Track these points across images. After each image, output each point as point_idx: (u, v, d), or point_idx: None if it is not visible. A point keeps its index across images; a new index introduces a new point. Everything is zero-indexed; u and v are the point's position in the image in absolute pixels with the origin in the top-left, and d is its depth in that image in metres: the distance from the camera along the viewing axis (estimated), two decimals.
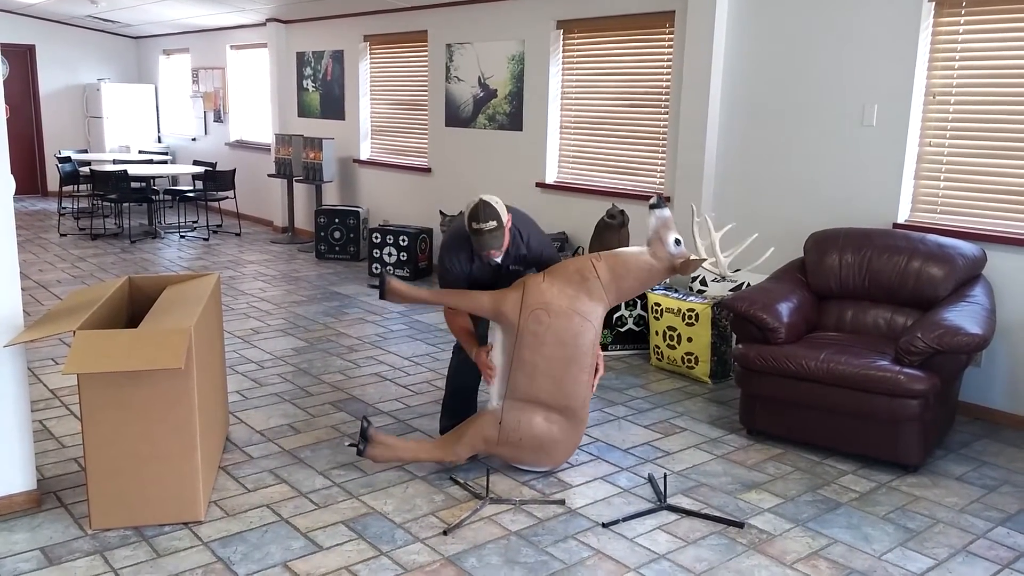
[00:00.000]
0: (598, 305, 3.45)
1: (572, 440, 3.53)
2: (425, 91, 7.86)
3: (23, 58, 11.94)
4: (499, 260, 3.51)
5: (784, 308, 4.02)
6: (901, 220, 4.64)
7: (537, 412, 3.45)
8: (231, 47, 10.60)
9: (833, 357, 3.71)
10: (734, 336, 4.84)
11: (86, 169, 9.64)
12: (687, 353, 4.85)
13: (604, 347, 5.30)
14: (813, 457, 3.83)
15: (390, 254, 7.43)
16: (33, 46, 11.93)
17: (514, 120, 6.88)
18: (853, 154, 4.79)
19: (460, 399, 3.92)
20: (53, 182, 12.00)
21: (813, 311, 4.30)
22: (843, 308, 4.32)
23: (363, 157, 8.73)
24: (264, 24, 9.63)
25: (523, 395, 3.44)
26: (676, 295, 4.96)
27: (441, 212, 7.37)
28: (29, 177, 12.24)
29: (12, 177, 3.10)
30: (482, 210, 3.34)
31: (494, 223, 3.33)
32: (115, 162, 10.09)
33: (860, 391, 3.64)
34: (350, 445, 3.74)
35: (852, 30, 4.71)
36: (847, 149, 4.81)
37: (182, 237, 9.35)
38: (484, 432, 3.47)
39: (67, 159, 9.98)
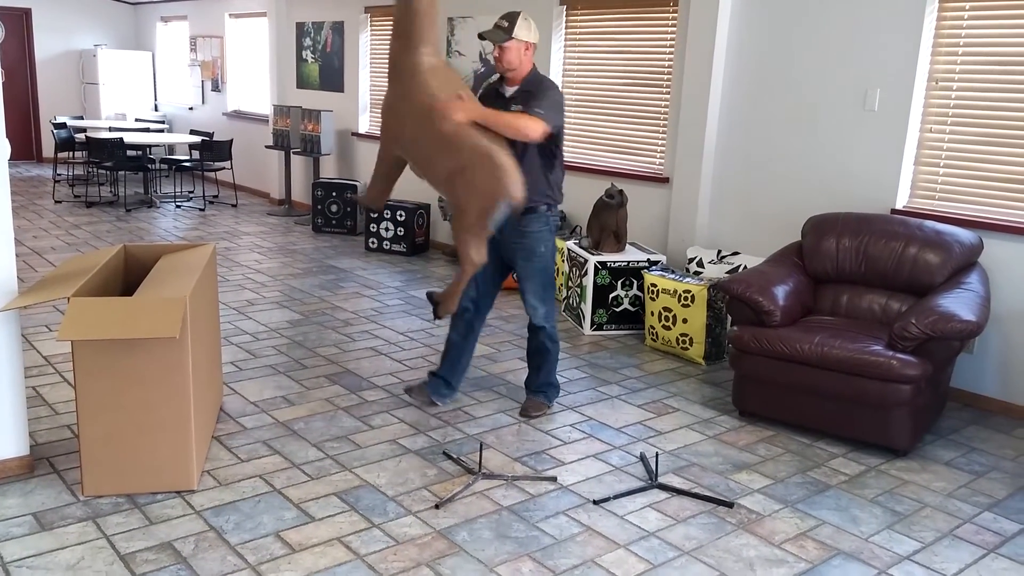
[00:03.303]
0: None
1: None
2: None
3: (19, 22, 11.81)
4: (502, 69, 3.70)
5: (780, 291, 4.03)
6: (899, 206, 4.63)
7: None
8: (230, 15, 10.49)
9: (827, 341, 3.72)
10: (729, 318, 4.85)
11: (82, 136, 9.57)
12: (682, 334, 4.86)
13: (599, 326, 5.32)
14: (804, 439, 3.85)
15: (387, 229, 7.41)
16: (29, 10, 11.80)
17: None
18: (854, 139, 4.77)
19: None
20: (48, 148, 11.91)
21: (809, 295, 4.31)
22: (839, 292, 4.33)
23: (362, 130, 8.68)
24: None
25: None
26: (673, 276, 4.97)
27: None
28: (24, 143, 12.15)
29: (7, 142, 3.08)
30: (510, 12, 3.66)
31: (506, 23, 3.62)
32: (111, 129, 10.02)
33: (853, 375, 3.65)
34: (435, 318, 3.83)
35: (857, 14, 4.68)
36: (848, 133, 4.80)
37: (178, 207, 9.31)
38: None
39: (63, 125, 9.90)
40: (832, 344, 3.70)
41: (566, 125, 6.52)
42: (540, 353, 3.98)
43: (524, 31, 3.65)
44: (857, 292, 4.29)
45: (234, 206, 9.55)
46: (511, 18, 3.64)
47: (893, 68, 4.56)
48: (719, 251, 5.32)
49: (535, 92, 3.65)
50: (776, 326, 3.92)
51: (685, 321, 4.83)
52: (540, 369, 4.01)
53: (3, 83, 3.10)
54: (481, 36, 3.71)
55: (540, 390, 4.04)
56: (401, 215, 7.33)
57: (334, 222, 8.24)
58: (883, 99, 4.62)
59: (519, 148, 3.60)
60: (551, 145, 3.71)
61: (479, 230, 3.53)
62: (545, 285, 3.89)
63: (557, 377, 4.11)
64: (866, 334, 3.84)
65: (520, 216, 3.72)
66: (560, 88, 3.84)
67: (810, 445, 3.80)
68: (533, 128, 3.51)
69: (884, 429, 3.66)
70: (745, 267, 5.05)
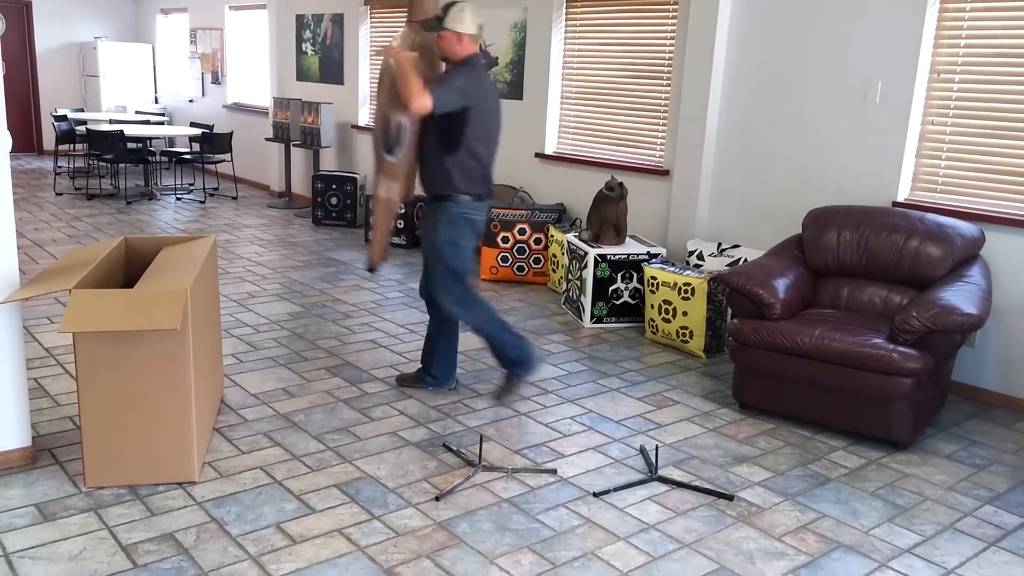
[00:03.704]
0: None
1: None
2: None
3: (19, 14, 11.79)
4: (440, 56, 3.78)
5: (780, 284, 4.03)
6: (901, 198, 4.63)
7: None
8: (230, 7, 10.47)
9: (827, 334, 3.72)
10: (729, 311, 4.85)
11: (82, 128, 9.56)
12: (682, 327, 4.86)
13: (599, 319, 5.32)
14: (804, 432, 3.85)
15: None
16: (29, 2, 11.78)
17: (515, 89, 6.82)
18: (855, 131, 4.76)
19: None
20: (49, 140, 11.90)
21: (809, 288, 4.30)
22: (839, 285, 4.32)
23: (361, 123, 8.66)
24: None
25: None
26: (673, 269, 4.97)
27: None
28: (25, 135, 12.14)
29: (9, 134, 3.08)
30: (449, 2, 3.66)
31: (442, 13, 3.66)
32: (111, 122, 10.01)
33: (853, 368, 3.65)
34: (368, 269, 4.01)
35: (859, 5, 4.66)
36: (849, 126, 4.79)
37: (178, 199, 9.30)
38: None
39: (63, 118, 9.89)
40: (832, 337, 3.70)
41: (566, 116, 6.52)
42: (484, 342, 3.94)
43: (455, 21, 3.64)
44: (858, 285, 4.29)
45: (234, 198, 9.55)
46: (446, 9, 3.66)
47: (895, 60, 4.55)
48: (719, 244, 5.32)
49: (447, 74, 3.71)
50: (776, 319, 3.92)
51: (685, 314, 4.83)
52: (493, 354, 3.97)
53: (4, 76, 3.10)
54: (421, 24, 3.73)
55: (510, 374, 4.00)
56: (401, 208, 7.32)
57: (334, 215, 8.24)
58: (884, 91, 4.61)
59: (423, 130, 3.72)
60: (453, 129, 3.65)
61: (380, 163, 3.70)
62: (444, 275, 3.81)
63: (512, 349, 3.91)
64: (867, 327, 3.84)
65: (429, 203, 3.82)
66: (472, 77, 3.70)
67: (810, 438, 3.80)
68: (416, 101, 3.48)
69: (885, 422, 3.66)
70: (745, 260, 5.05)
